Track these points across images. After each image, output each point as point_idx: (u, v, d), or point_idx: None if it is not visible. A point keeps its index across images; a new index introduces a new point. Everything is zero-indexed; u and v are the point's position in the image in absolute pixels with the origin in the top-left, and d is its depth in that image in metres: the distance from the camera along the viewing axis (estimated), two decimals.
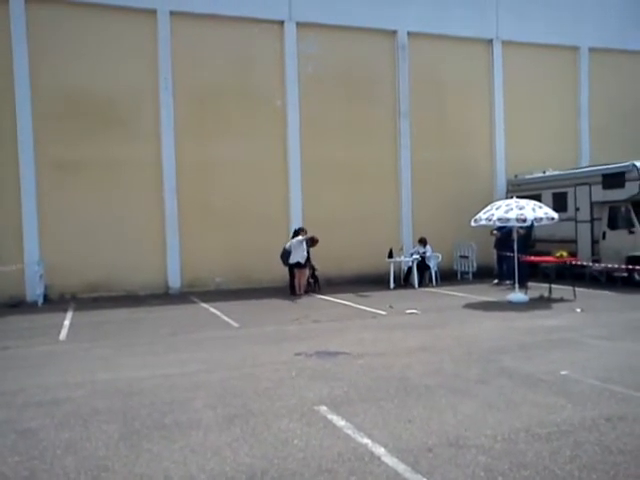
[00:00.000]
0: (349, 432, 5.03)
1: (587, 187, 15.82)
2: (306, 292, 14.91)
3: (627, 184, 14.60)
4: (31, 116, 14.76)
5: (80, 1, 15.14)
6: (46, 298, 14.46)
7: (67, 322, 11.54)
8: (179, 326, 10.84)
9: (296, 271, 14.85)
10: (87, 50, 15.27)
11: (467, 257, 17.71)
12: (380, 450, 4.63)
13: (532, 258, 14.24)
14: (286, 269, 15.14)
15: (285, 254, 14.86)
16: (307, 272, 15.12)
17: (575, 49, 19.85)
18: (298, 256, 14.72)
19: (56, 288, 14.90)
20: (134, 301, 14.41)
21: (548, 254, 14.55)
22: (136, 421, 5.48)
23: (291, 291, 14.92)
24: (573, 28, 19.52)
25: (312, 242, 14.94)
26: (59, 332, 10.42)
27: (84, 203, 15.24)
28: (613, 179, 15.02)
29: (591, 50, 19.88)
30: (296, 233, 15.12)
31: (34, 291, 14.31)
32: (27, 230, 14.74)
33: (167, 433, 5.14)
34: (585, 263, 14.87)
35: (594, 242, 15.58)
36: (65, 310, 13.10)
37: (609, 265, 14.44)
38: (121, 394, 6.37)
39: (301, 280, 14.87)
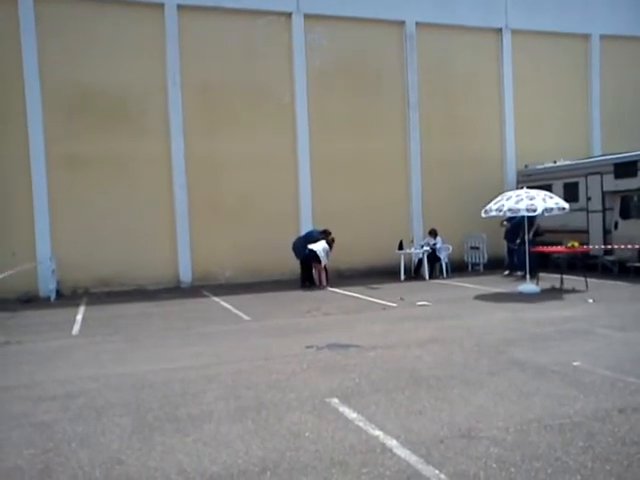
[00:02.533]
0: (361, 424, 5.04)
1: (599, 177, 15.69)
2: (315, 284, 14.95)
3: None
4: (41, 112, 14.83)
5: None
6: (59, 293, 14.58)
7: (79, 317, 11.63)
8: (190, 320, 10.90)
9: (314, 264, 14.82)
10: (95, 46, 15.29)
11: (478, 248, 17.64)
12: (392, 442, 4.63)
13: (543, 249, 14.16)
14: (296, 262, 15.18)
15: (300, 245, 14.85)
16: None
17: (586, 37, 19.62)
18: (320, 250, 14.64)
19: (68, 283, 15.01)
20: (146, 295, 14.49)
21: (559, 244, 14.46)
22: (149, 414, 5.52)
23: (302, 284, 14.95)
24: (583, 15, 19.30)
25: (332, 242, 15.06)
26: (72, 327, 10.51)
27: (95, 198, 15.31)
28: (625, 168, 14.87)
29: (602, 37, 19.63)
30: (323, 233, 15.03)
31: (47, 286, 14.43)
32: (39, 226, 14.84)
33: (180, 426, 5.18)
34: (597, 247, 14.71)
35: (606, 232, 15.46)
36: (77, 305, 13.21)
37: (622, 246, 14.23)
38: (134, 387, 6.42)
39: (321, 273, 14.88)
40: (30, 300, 14.13)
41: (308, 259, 14.82)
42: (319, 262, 14.79)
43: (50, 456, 4.61)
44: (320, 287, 14.71)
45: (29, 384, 6.73)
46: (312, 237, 15.04)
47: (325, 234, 15.06)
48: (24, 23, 14.64)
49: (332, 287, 14.72)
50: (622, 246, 14.03)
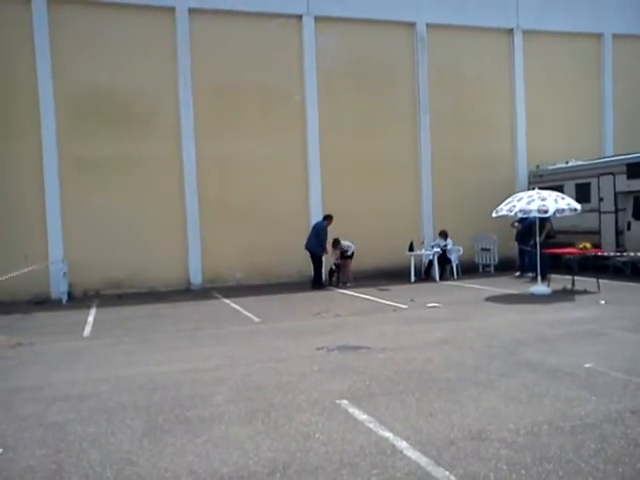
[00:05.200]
0: (371, 426, 5.03)
1: (611, 177, 15.57)
2: (326, 286, 14.99)
3: None
4: (54, 115, 14.96)
5: (100, 0, 15.29)
6: (70, 295, 14.67)
7: (91, 319, 11.70)
8: (201, 321, 10.93)
9: (346, 262, 15.47)
10: (108, 48, 15.41)
11: (488, 250, 17.56)
12: (402, 444, 4.62)
13: (555, 250, 14.07)
14: (306, 263, 15.23)
15: (314, 243, 15.01)
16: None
17: (598, 36, 19.48)
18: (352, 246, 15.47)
19: (80, 285, 15.11)
20: (156, 297, 14.55)
21: (571, 245, 14.36)
22: (160, 416, 5.54)
23: (313, 285, 14.99)
24: (595, 15, 19.18)
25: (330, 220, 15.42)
26: (83, 328, 10.57)
27: (106, 201, 15.40)
28: (638, 168, 14.75)
29: (614, 37, 19.49)
30: (326, 219, 15.38)
31: (58, 289, 14.53)
32: (51, 228, 14.96)
33: (190, 427, 5.20)
34: (607, 253, 14.59)
35: (618, 233, 15.34)
36: (89, 307, 13.29)
37: (631, 254, 14.13)
38: (145, 389, 6.44)
39: (349, 269, 15.55)
40: (42, 302, 14.23)
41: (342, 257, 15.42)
42: (351, 257, 15.36)
43: (62, 457, 4.64)
44: (344, 286, 15.08)
45: (41, 385, 6.77)
46: (319, 227, 15.16)
47: (328, 219, 15.26)
48: (37, 25, 14.78)
49: (342, 289, 14.72)
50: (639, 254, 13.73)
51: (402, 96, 17.81)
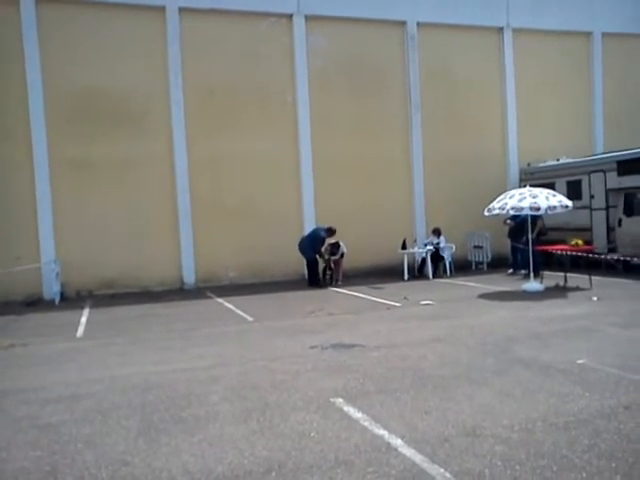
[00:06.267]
0: (365, 424, 5.05)
1: (602, 174, 15.66)
2: (321, 285, 15.00)
3: None
4: (44, 116, 14.86)
5: (89, 0, 15.20)
6: (63, 296, 14.60)
7: (84, 319, 11.66)
8: (194, 321, 10.91)
9: (338, 260, 15.46)
10: (97, 49, 15.32)
11: (481, 247, 17.62)
12: (397, 441, 4.63)
13: (547, 247, 14.13)
14: (299, 262, 15.22)
15: (307, 245, 15.01)
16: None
17: (588, 35, 19.58)
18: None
19: (72, 286, 15.04)
20: (150, 297, 14.51)
21: (563, 242, 14.43)
22: (154, 415, 5.53)
23: (309, 284, 15.00)
24: (585, 13, 19.26)
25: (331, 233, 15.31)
26: (76, 329, 10.53)
27: (98, 201, 15.34)
28: (629, 165, 14.84)
29: (604, 35, 19.58)
30: (328, 231, 15.22)
31: (51, 289, 14.45)
32: (43, 229, 14.88)
33: (185, 427, 5.19)
34: (598, 255, 14.64)
35: (610, 230, 15.42)
36: (82, 307, 13.23)
37: (622, 258, 14.19)
38: (139, 389, 6.43)
39: (339, 268, 15.57)
40: (34, 303, 14.15)
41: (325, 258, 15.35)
42: (342, 257, 15.39)
43: (56, 458, 4.63)
44: (335, 284, 15.10)
45: (35, 386, 6.74)
46: (318, 236, 15.08)
47: (330, 232, 15.13)
48: (26, 26, 14.66)
49: (336, 287, 14.74)
50: (635, 259, 13.70)
51: (393, 95, 17.83)
